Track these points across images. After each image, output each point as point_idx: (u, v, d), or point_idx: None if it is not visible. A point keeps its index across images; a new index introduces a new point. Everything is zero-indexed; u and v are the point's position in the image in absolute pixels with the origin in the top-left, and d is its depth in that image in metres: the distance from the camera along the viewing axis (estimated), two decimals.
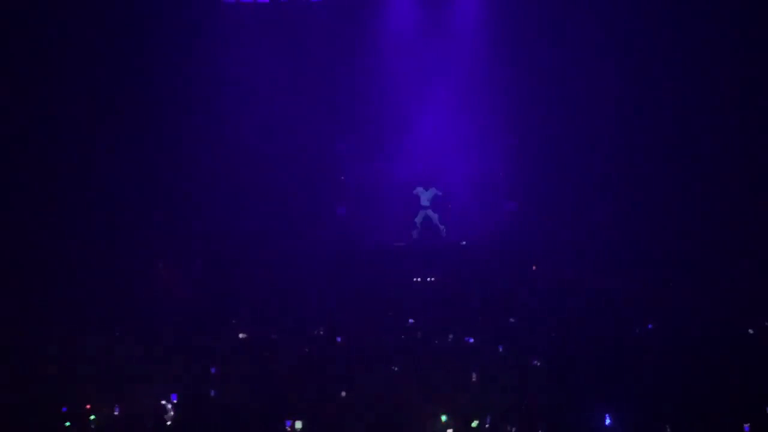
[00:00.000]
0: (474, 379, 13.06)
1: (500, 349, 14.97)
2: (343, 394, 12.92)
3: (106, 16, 20.71)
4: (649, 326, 16.27)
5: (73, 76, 20.62)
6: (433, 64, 22.92)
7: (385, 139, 23.10)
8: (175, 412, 12.21)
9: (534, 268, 21.44)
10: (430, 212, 22.87)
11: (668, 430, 10.82)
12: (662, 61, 21.52)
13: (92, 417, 11.69)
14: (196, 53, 21.01)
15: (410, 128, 22.96)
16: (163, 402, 12.26)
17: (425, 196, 22.89)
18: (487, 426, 11.93)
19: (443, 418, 11.65)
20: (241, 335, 16.57)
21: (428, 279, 21.27)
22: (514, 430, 11.78)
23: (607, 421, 11.27)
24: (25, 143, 20.41)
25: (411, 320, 17.53)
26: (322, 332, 16.28)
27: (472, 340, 15.42)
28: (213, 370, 13.85)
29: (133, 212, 20.86)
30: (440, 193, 22.87)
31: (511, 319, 17.32)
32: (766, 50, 20.81)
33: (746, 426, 10.97)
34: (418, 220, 22.85)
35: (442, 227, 22.85)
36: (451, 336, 15.76)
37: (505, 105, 22.31)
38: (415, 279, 21.26)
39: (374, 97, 22.72)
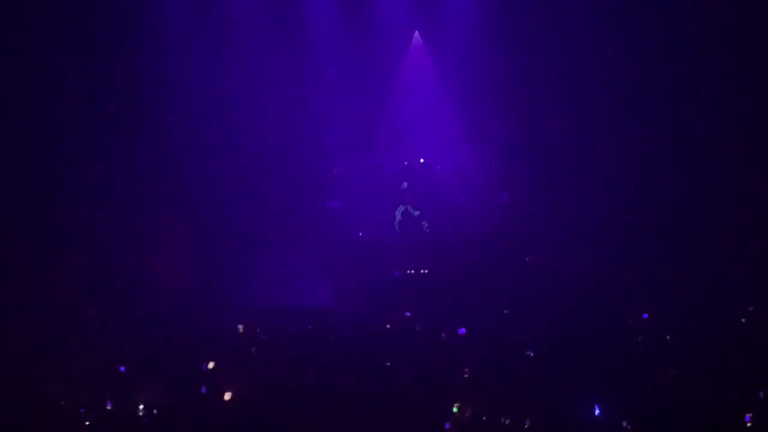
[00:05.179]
0: (466, 371, 13.05)
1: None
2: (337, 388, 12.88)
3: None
4: (644, 316, 16.27)
5: (55, 67, 20.47)
6: (423, 56, 22.92)
7: (374, 132, 23.08)
8: (166, 407, 12.20)
9: (527, 259, 21.47)
10: (410, 207, 22.67)
11: (660, 421, 10.80)
12: (655, 52, 21.46)
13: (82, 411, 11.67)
14: (179, 47, 20.93)
15: (400, 121, 22.95)
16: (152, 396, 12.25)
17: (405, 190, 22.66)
18: (484, 419, 11.94)
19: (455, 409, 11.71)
20: (236, 328, 16.59)
21: (422, 271, 21.32)
22: (507, 421, 11.79)
23: (597, 412, 11.28)
24: (17, 139, 20.29)
25: (408, 313, 17.54)
26: (313, 327, 16.25)
27: (464, 331, 15.40)
28: (204, 368, 13.84)
29: (123, 208, 20.81)
30: (411, 187, 22.64)
31: (505, 311, 17.33)
32: (760, 48, 20.78)
33: (747, 416, 10.89)
34: (397, 213, 22.67)
35: (424, 223, 22.63)
36: (443, 328, 15.73)
37: (496, 97, 22.27)
38: (408, 271, 21.29)
39: (364, 90, 22.70)
